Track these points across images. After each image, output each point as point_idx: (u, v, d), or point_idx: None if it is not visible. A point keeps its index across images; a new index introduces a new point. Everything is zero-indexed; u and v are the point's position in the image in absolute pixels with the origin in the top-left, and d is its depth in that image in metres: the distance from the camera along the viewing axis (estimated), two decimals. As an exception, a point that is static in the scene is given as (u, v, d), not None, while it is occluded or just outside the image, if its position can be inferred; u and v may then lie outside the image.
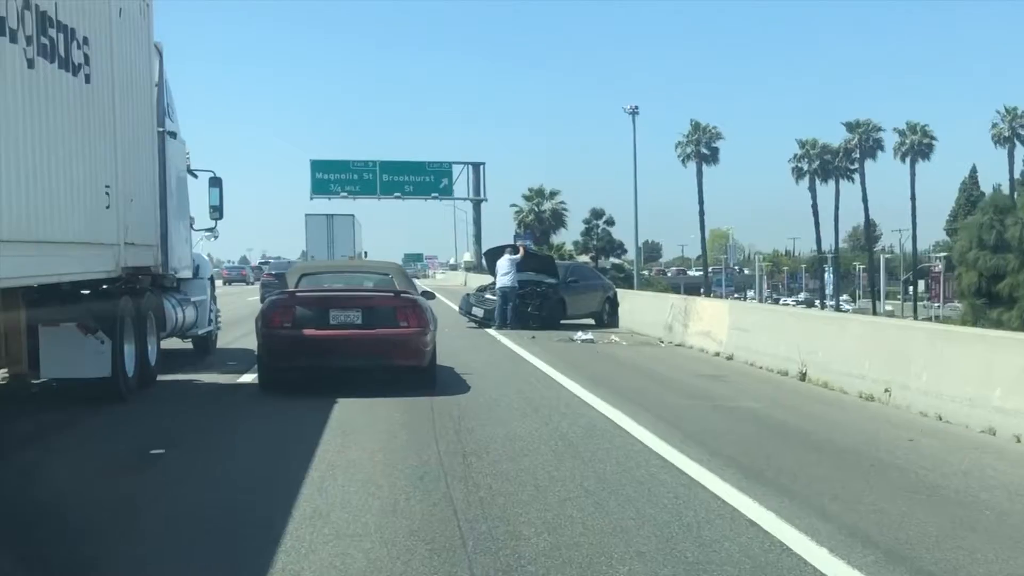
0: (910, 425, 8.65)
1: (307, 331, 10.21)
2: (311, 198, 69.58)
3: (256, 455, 7.32)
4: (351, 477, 6.39)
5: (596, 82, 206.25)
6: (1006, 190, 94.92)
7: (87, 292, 9.53)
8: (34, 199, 7.48)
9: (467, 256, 76.71)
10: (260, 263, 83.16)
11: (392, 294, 10.87)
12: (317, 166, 69.81)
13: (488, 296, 20.79)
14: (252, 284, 54.96)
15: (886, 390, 9.95)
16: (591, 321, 21.85)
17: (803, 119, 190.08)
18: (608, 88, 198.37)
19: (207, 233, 15.77)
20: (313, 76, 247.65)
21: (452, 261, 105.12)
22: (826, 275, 75.96)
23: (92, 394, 9.34)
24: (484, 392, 10.54)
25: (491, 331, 19.53)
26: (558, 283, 20.92)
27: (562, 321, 20.73)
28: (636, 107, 62.04)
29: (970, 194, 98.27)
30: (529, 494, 5.95)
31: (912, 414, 9.24)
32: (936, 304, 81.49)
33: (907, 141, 70.59)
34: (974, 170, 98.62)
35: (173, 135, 12.77)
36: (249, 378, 11.71)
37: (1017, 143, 69.27)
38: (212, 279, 15.64)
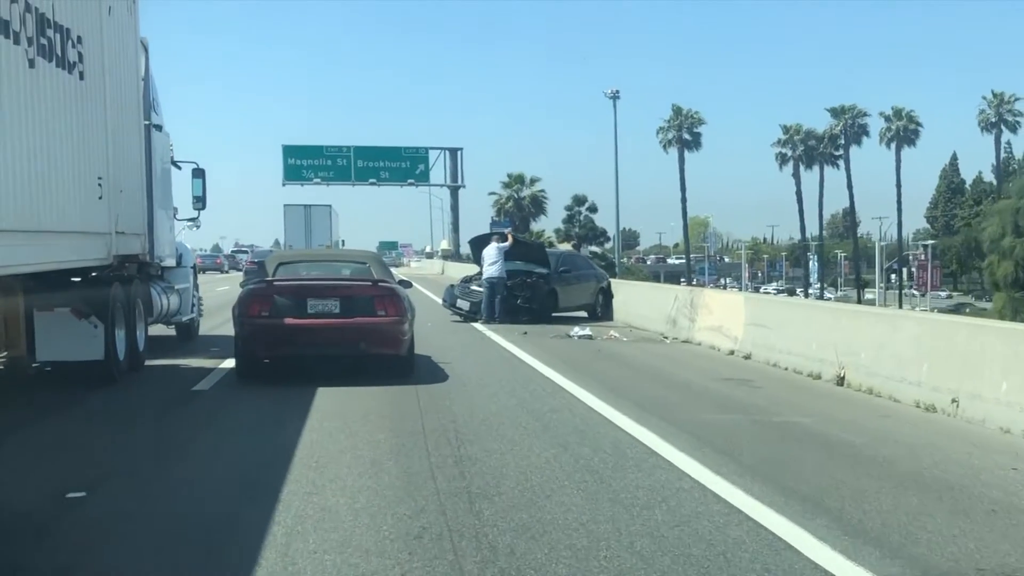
0: (1000, 446, 7.21)
1: (285, 320, 10.16)
2: (283, 184, 67.76)
3: (209, 492, 5.76)
4: (325, 537, 4.83)
5: (577, 67, 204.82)
6: (987, 177, 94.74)
7: (77, 279, 9.81)
8: (36, 191, 7.91)
9: (444, 244, 74.99)
10: (233, 251, 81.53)
11: (370, 283, 10.80)
12: (289, 151, 67.79)
13: (474, 287, 19.23)
14: (227, 272, 53.29)
15: (953, 400, 8.51)
16: (583, 314, 20.39)
17: (789, 105, 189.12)
18: (590, 73, 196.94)
19: (189, 222, 16.00)
20: (284, 61, 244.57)
21: (428, 249, 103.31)
22: (811, 263, 74.68)
23: (86, 376, 9.68)
24: (482, 404, 9.00)
25: (478, 326, 17.99)
26: (549, 273, 19.39)
27: (553, 314, 19.25)
28: (617, 91, 60.66)
29: (951, 181, 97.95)
30: (566, 564, 4.43)
31: (991, 430, 7.81)
32: (917, 293, 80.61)
33: (892, 127, 69.50)
34: (954, 157, 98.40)
35: (159, 128, 13.08)
36: (229, 364, 11.31)
37: (1004, 129, 68.25)
38: (195, 267, 15.95)
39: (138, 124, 11.64)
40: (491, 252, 18.78)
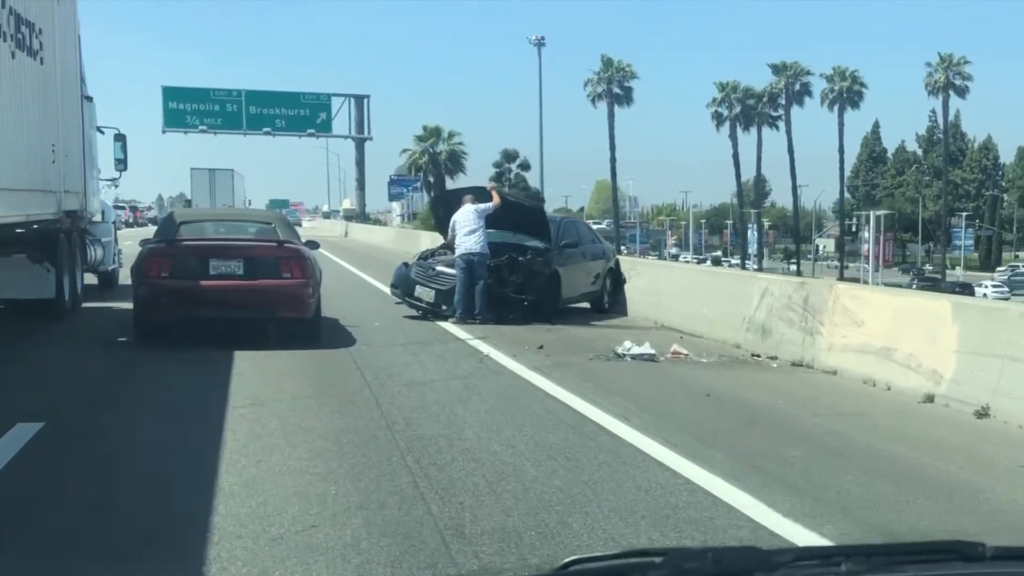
0: None
1: (186, 282, 9.85)
2: (163, 132, 59.70)
3: None
4: None
5: (499, 10, 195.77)
6: (911, 146, 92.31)
7: (21, 231, 10.89)
8: (15, 158, 9.58)
9: (347, 203, 67.95)
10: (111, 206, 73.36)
11: (275, 244, 10.54)
12: (170, 94, 59.68)
13: (441, 268, 12.99)
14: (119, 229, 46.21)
15: None
16: (586, 305, 14.53)
17: (731, 62, 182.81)
18: (513, 17, 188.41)
19: (110, 182, 17.94)
20: None
21: (326, 208, 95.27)
22: (749, 232, 69.88)
23: (39, 312, 11.37)
24: None
25: (451, 327, 11.94)
26: (549, 248, 13.34)
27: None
28: (542, 38, 54.99)
29: (872, 150, 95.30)
30: None
31: None
32: (852, 265, 77.23)
33: (835, 87, 65.02)
34: (876, 125, 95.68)
35: (89, 99, 14.65)
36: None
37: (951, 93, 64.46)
38: (115, 222, 17.96)
39: (77, 97, 13.08)
40: (467, 217, 12.67)
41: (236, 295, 9.78)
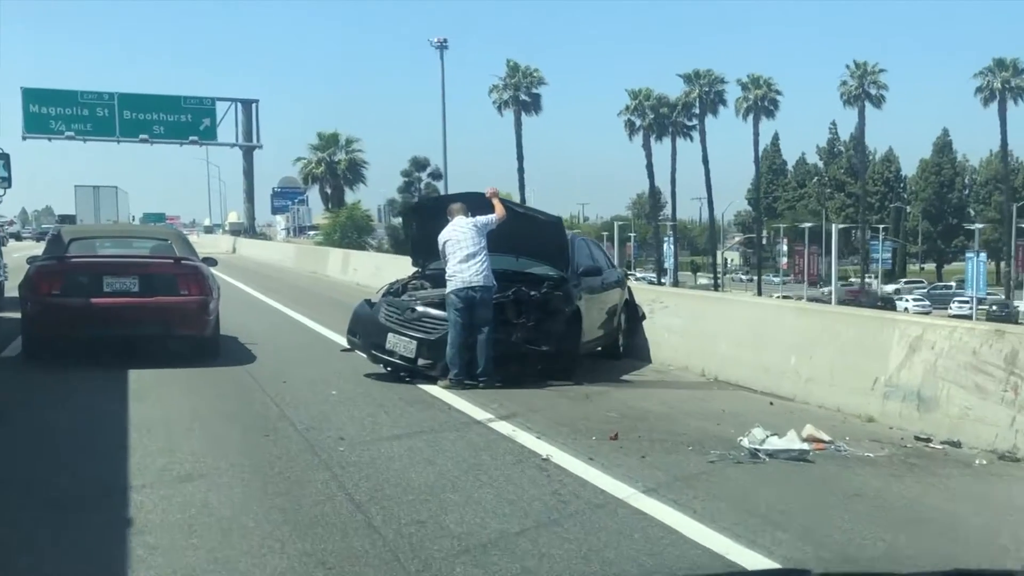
0: None
1: (78, 299, 9.57)
2: (23, 138, 53.35)
3: None
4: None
5: (399, 10, 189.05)
6: (811, 159, 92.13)
7: None
8: None
9: (233, 216, 62.61)
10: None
11: (171, 260, 10.31)
12: (32, 96, 53.41)
13: (425, 309, 9.11)
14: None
15: None
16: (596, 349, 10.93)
17: (645, 69, 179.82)
18: (415, 18, 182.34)
19: None
20: None
21: (207, 222, 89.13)
22: (665, 246, 67.33)
23: None
24: None
25: (443, 393, 8.21)
26: (567, 278, 9.68)
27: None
28: (444, 40, 51.46)
29: (772, 162, 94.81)
30: None
31: None
32: (744, 278, 75.80)
33: (751, 96, 63.24)
34: (776, 137, 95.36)
35: None
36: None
37: (867, 103, 63.39)
38: (2, 239, 21.05)
39: None
40: (464, 234, 8.94)
41: (131, 312, 9.56)
